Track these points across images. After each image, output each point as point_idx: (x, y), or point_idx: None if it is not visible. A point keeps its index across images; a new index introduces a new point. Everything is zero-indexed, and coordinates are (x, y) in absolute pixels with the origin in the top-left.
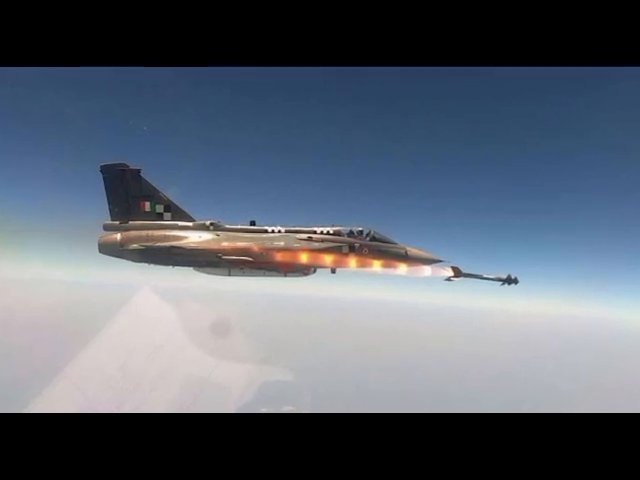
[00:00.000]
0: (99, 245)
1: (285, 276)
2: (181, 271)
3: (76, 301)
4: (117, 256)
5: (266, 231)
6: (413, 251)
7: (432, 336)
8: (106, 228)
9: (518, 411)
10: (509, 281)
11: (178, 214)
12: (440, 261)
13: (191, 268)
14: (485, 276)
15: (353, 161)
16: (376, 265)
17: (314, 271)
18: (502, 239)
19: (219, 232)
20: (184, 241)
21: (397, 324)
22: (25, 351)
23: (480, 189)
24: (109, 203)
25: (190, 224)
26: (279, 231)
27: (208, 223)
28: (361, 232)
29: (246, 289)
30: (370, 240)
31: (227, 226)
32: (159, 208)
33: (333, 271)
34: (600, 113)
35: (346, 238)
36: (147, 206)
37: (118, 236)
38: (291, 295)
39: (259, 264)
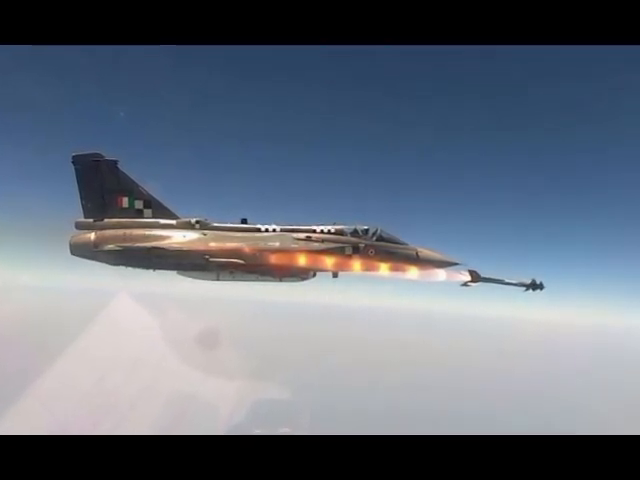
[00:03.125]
0: (71, 246)
1: (280, 281)
2: (163, 275)
3: (45, 309)
4: (91, 258)
5: (259, 230)
6: (425, 252)
7: (446, 349)
8: (78, 227)
9: (544, 433)
10: (534, 286)
11: (160, 211)
12: (456, 264)
13: (174, 272)
14: (507, 281)
15: (358, 151)
16: (383, 268)
17: (313, 275)
18: (526, 239)
19: (206, 231)
20: (166, 241)
21: (407, 335)
22: None
23: (502, 183)
24: (82, 198)
25: (173, 222)
26: (274, 230)
27: (194, 221)
28: (366, 231)
29: (237, 295)
30: (376, 240)
31: (215, 224)
32: (138, 204)
33: (335, 275)
34: None
35: (349, 238)
36: (125, 202)
37: (92, 235)
38: (287, 302)
39: (251, 267)
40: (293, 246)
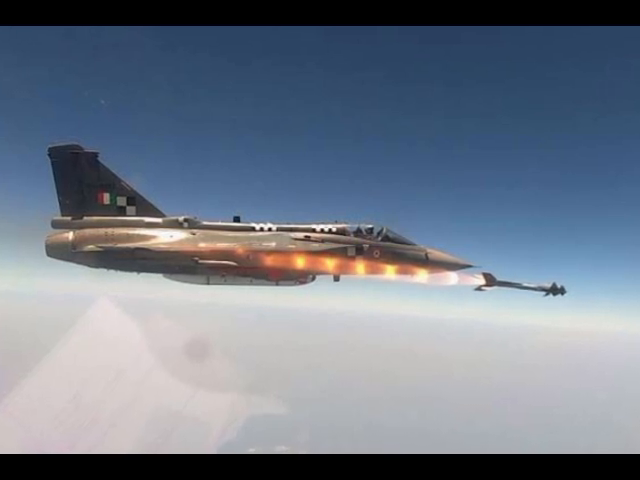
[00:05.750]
0: (47, 246)
1: (277, 285)
2: (148, 279)
3: (17, 316)
4: (69, 260)
5: (253, 229)
6: (435, 254)
7: (459, 360)
8: (55, 225)
9: (565, 452)
10: (554, 291)
11: (144, 208)
12: (469, 266)
13: (161, 275)
14: (525, 285)
15: (361, 142)
16: (389, 271)
17: (313, 279)
18: (546, 239)
19: (195, 230)
20: (152, 241)
21: (415, 345)
22: None
23: (520, 177)
24: (59, 194)
25: (159, 220)
26: (269, 229)
27: (181, 219)
28: (371, 230)
29: (229, 301)
30: (382, 240)
31: (205, 223)
32: (121, 200)
33: (336, 278)
34: None
35: (352, 238)
36: (106, 198)
37: (70, 235)
38: (284, 308)
39: (245, 270)
40: (290, 247)
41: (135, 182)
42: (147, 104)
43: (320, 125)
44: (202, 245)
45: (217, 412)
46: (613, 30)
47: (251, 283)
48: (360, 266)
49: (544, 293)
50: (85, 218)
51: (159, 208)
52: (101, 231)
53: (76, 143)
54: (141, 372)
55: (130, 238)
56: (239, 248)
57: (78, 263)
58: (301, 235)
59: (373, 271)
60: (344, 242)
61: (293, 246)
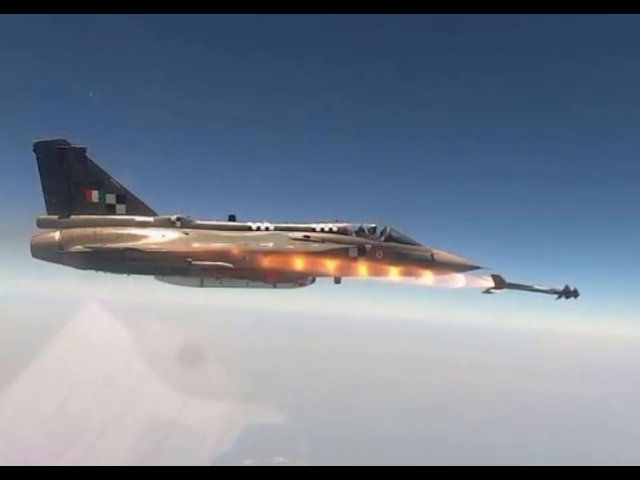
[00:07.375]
0: (32, 246)
1: (274, 287)
2: (139, 281)
3: (1, 320)
4: (55, 261)
5: (250, 228)
6: (442, 255)
7: (466, 366)
8: (41, 224)
9: (580, 464)
10: (567, 294)
11: (135, 206)
12: (477, 268)
13: (152, 277)
14: (536, 287)
15: (363, 137)
16: (393, 273)
17: (312, 281)
18: (558, 239)
19: (188, 230)
20: (142, 241)
21: (420, 350)
22: None
23: (530, 174)
24: (45, 192)
25: (150, 219)
26: (266, 228)
27: (174, 218)
28: (374, 230)
29: (224, 304)
30: (385, 240)
31: (199, 222)
32: (110, 198)
33: (337, 281)
34: None
35: (354, 238)
36: (94, 196)
37: (57, 235)
38: (282, 312)
39: (241, 271)
40: (289, 247)
41: (125, 179)
42: (138, 97)
43: (320, 119)
44: (196, 245)
45: (212, 421)
46: (621, 21)
47: (247, 285)
48: (362, 267)
49: (556, 296)
50: (72, 217)
51: (150, 206)
52: (89, 231)
53: (63, 138)
54: (132, 379)
55: (120, 238)
56: (235, 248)
57: (65, 264)
58: (300, 235)
59: (376, 273)
60: (345, 242)
61: (292, 246)
